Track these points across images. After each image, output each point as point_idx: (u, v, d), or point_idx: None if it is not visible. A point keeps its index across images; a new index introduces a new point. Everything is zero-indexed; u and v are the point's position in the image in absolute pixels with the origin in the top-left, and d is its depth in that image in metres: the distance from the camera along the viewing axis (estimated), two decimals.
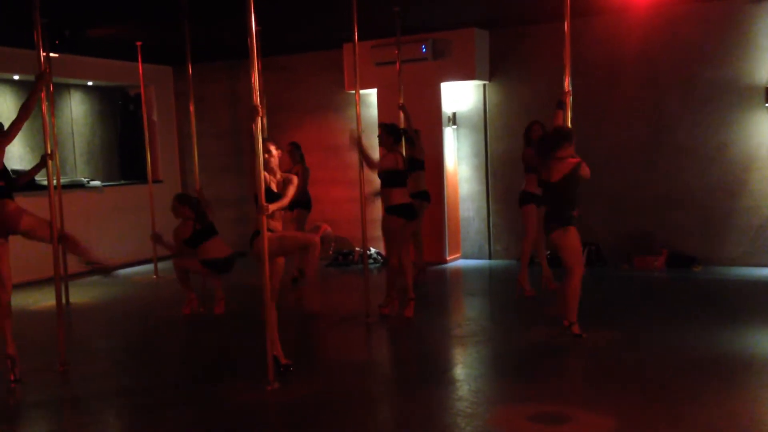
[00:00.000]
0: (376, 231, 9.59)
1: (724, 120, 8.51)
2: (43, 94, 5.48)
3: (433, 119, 9.70)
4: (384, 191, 6.65)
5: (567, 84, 5.75)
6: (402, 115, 7.99)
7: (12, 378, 5.24)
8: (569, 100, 5.81)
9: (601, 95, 9.03)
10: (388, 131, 6.74)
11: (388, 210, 6.62)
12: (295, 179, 5.15)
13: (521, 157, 7.50)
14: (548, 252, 9.21)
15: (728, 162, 8.53)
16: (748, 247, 8.51)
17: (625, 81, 9.02)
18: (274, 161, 5.11)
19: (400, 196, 6.60)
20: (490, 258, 9.99)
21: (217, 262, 7.08)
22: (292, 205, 7.89)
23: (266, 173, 4.98)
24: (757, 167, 8.38)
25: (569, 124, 5.85)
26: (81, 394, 5.17)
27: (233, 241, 11.58)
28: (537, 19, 9.11)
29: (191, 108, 7.97)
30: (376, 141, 9.89)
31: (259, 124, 4.80)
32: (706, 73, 8.57)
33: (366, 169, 6.75)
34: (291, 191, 5.08)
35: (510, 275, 8.89)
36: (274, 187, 5.06)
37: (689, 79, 8.67)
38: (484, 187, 9.97)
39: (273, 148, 5.11)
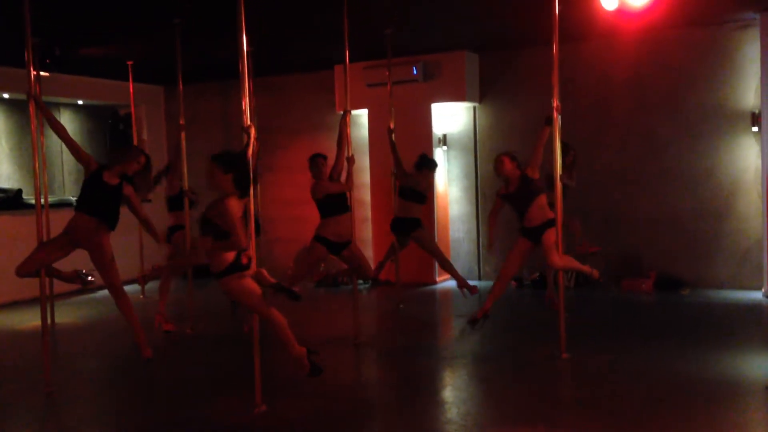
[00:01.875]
0: (366, 251, 9.59)
1: (712, 144, 8.59)
2: (32, 112, 5.47)
3: (423, 140, 9.74)
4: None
5: (555, 100, 5.79)
6: (392, 138, 8.06)
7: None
8: (557, 117, 5.83)
9: (589, 119, 9.10)
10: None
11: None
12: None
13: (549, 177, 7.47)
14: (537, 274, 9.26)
15: (715, 185, 8.60)
16: (736, 270, 8.55)
17: (613, 105, 9.10)
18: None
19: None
20: (479, 279, 9.98)
21: None
22: None
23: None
24: (744, 191, 8.45)
25: (558, 142, 5.86)
26: (66, 417, 5.11)
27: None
28: (527, 44, 9.20)
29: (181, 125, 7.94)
30: (367, 161, 10.06)
31: (252, 143, 4.80)
32: (694, 98, 8.66)
33: (355, 189, 6.80)
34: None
35: (501, 297, 8.87)
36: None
37: (677, 103, 8.76)
38: (474, 209, 10.00)
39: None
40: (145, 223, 6.07)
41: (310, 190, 6.73)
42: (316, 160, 6.70)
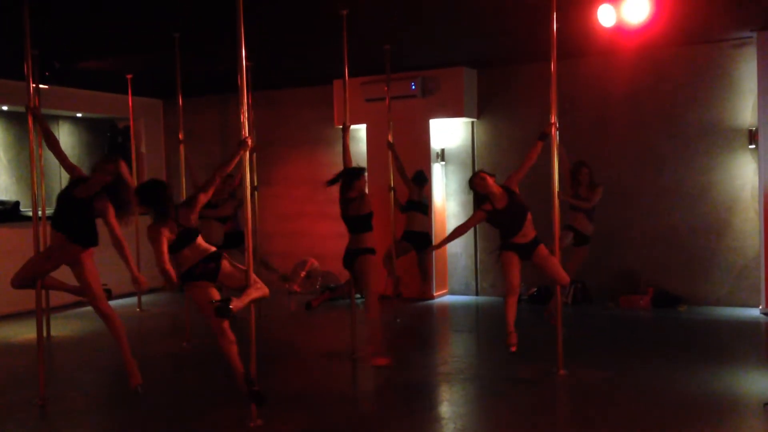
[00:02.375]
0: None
1: (709, 161, 8.61)
2: (30, 125, 5.47)
3: (421, 155, 9.76)
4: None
5: (553, 117, 5.81)
6: (390, 153, 8.14)
7: None
8: (554, 132, 5.85)
9: (587, 135, 9.13)
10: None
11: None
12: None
13: (575, 195, 7.43)
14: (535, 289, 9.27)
15: (712, 202, 8.61)
16: (733, 287, 8.54)
17: (611, 121, 9.13)
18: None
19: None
20: (477, 294, 9.97)
21: None
22: (227, 244, 7.69)
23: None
24: (741, 208, 8.46)
25: (556, 160, 5.88)
26: (60, 430, 5.07)
27: None
28: (525, 60, 9.24)
29: (180, 140, 7.97)
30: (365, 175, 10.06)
31: (247, 156, 4.81)
32: (691, 115, 8.70)
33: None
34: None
35: (497, 311, 8.87)
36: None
37: (674, 120, 8.79)
38: None
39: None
40: (118, 247, 5.35)
41: (355, 204, 6.24)
42: (363, 175, 6.27)
